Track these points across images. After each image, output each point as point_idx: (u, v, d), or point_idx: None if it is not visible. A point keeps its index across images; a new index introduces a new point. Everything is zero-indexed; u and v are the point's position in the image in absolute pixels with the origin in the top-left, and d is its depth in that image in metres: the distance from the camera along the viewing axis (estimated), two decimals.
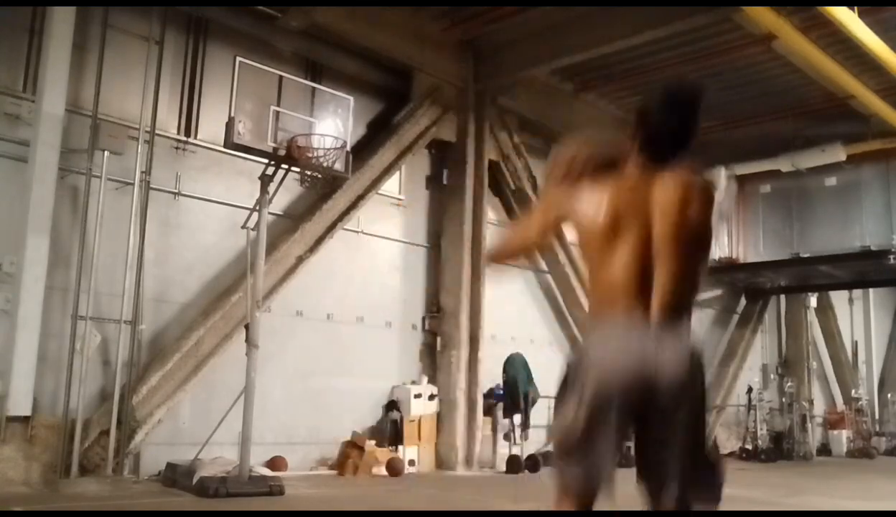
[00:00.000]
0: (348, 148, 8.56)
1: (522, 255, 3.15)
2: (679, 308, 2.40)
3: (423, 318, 11.71)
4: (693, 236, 2.42)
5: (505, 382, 11.45)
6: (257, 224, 8.11)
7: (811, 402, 18.29)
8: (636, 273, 2.37)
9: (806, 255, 15.63)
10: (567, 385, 2.45)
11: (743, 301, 18.40)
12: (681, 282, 2.39)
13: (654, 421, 2.35)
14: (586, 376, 2.38)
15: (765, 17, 9.84)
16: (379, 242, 11.31)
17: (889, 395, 21.75)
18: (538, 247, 2.98)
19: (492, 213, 12.56)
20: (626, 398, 2.33)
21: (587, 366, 2.40)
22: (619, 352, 2.34)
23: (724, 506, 2.45)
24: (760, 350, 18.70)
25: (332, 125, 8.56)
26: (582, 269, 13.45)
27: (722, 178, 14.34)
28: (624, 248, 2.39)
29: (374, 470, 9.68)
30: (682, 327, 2.40)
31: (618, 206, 2.42)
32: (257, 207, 8.14)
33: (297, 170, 8.40)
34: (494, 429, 11.66)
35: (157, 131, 8.85)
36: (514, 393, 11.29)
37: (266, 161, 8.12)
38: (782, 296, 18.81)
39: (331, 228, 10.19)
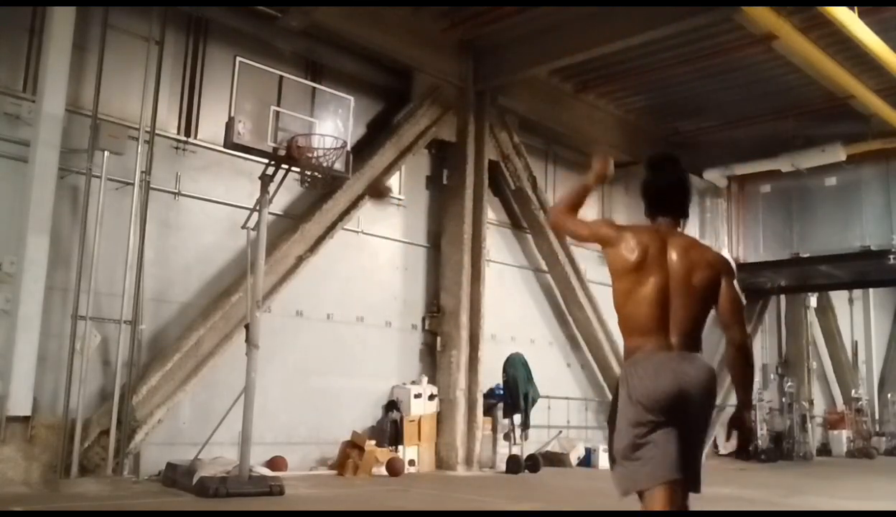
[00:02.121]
0: (348, 148, 8.56)
1: (564, 219, 3.36)
2: (694, 339, 3.03)
3: (423, 318, 11.72)
4: (699, 291, 3.04)
5: (505, 382, 11.46)
6: (257, 224, 8.11)
7: (811, 402, 18.29)
8: (659, 310, 2.99)
9: (806, 255, 15.61)
10: (617, 404, 3.03)
11: (743, 301, 18.35)
12: (691, 322, 3.03)
13: (695, 424, 2.96)
14: (635, 392, 2.94)
15: (765, 17, 9.84)
16: (379, 242, 11.31)
17: (889, 395, 21.78)
18: (570, 230, 3.31)
19: (492, 212, 12.57)
20: (671, 407, 2.90)
21: (633, 385, 2.95)
22: (657, 371, 2.93)
23: (724, 506, 2.46)
24: (760, 350, 18.66)
25: (332, 125, 8.56)
26: (581, 271, 13.48)
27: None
28: (648, 287, 3.01)
29: (374, 470, 9.67)
30: (699, 352, 3.03)
31: (645, 253, 3.04)
32: (257, 207, 8.14)
33: (297, 170, 8.40)
34: (494, 429, 11.66)
35: (157, 131, 8.86)
36: (514, 393, 11.30)
37: (266, 161, 8.12)
38: (782, 297, 18.79)
39: (331, 228, 10.19)
